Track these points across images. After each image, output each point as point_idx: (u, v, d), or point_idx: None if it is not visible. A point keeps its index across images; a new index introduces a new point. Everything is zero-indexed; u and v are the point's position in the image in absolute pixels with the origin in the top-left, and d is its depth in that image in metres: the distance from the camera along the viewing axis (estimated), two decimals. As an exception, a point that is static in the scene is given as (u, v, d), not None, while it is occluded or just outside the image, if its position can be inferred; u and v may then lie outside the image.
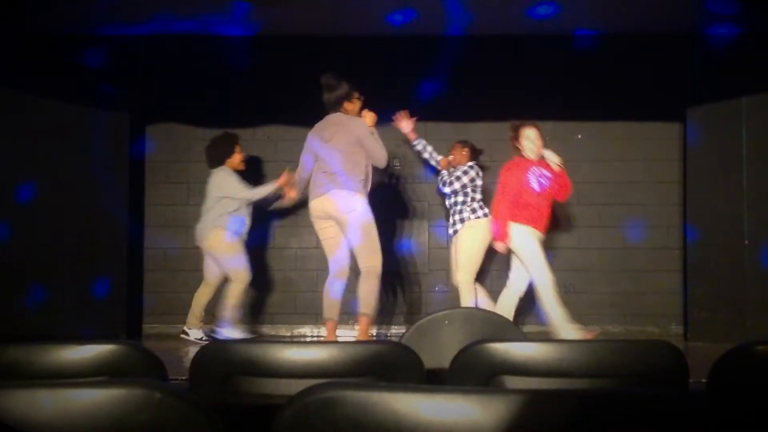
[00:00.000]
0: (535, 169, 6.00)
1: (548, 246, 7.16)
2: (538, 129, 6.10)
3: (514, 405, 1.06)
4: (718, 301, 6.59)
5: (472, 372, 2.01)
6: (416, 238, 7.59)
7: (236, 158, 6.71)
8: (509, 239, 5.92)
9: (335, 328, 5.74)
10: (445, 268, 7.60)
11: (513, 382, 2.01)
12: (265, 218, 7.59)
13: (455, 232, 6.48)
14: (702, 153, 6.87)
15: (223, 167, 6.64)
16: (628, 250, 7.47)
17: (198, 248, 6.99)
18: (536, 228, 5.97)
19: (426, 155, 6.79)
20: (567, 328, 5.71)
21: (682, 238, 7.30)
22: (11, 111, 6.33)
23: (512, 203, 5.90)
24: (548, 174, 6.01)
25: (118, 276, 6.99)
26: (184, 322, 6.82)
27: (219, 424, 1.14)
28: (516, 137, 6.09)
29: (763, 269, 6.35)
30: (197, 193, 7.57)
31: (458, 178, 6.46)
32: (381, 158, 5.47)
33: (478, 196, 6.51)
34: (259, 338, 7.04)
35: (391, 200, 7.46)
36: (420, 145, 6.75)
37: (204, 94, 7.44)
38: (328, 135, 5.52)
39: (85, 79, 6.71)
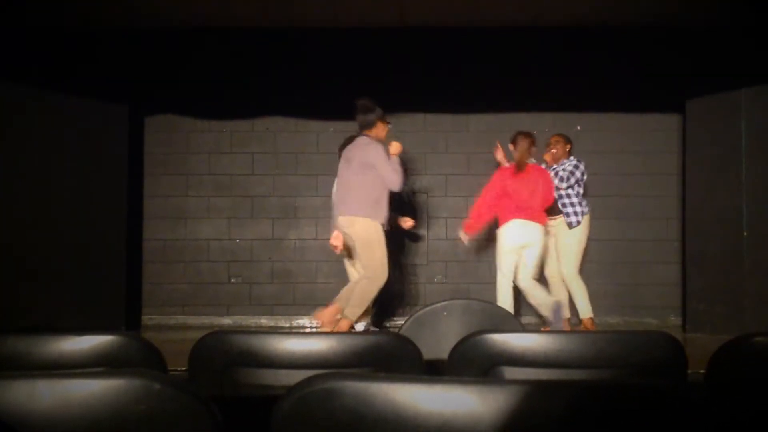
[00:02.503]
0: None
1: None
2: (531, 138, 6.35)
3: (513, 396, 1.06)
4: (716, 293, 6.59)
5: (470, 363, 2.01)
6: (415, 230, 7.59)
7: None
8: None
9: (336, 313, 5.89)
10: (443, 259, 7.62)
11: (511, 372, 2.01)
12: (264, 210, 7.59)
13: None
14: (701, 145, 6.86)
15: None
16: (626, 241, 7.48)
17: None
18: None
19: None
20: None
21: (681, 230, 7.31)
22: (10, 103, 6.32)
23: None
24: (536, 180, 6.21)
25: (116, 267, 7.00)
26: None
27: (218, 415, 1.14)
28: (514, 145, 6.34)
29: (761, 261, 6.35)
30: (196, 185, 7.58)
31: (572, 173, 6.48)
32: (394, 183, 5.76)
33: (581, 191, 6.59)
34: (258, 329, 7.05)
35: (390, 192, 7.45)
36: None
37: (203, 86, 7.43)
38: (350, 155, 5.85)
39: (84, 71, 6.69)
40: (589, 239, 7.18)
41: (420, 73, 7.32)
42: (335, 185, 6.22)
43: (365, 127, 5.90)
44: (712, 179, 6.73)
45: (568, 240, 6.45)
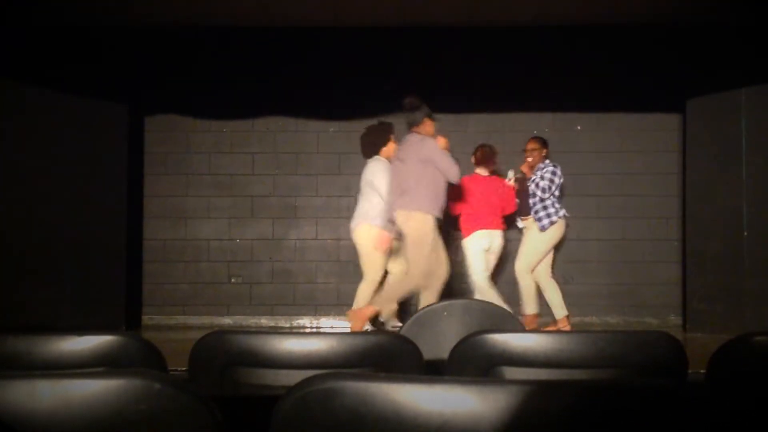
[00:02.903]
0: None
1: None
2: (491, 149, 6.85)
3: (513, 396, 1.06)
4: (716, 292, 6.59)
5: (470, 363, 2.01)
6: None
7: (391, 147, 6.32)
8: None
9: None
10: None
11: (512, 372, 2.01)
12: (264, 210, 7.59)
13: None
14: (701, 144, 6.86)
15: (378, 157, 6.31)
16: (627, 241, 7.48)
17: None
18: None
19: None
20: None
21: (681, 230, 7.31)
22: (10, 103, 6.32)
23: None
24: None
25: (117, 267, 7.00)
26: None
27: (218, 415, 1.14)
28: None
29: (761, 261, 6.36)
30: (196, 185, 7.58)
31: (551, 182, 6.56)
32: (454, 175, 5.82)
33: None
34: (258, 329, 7.05)
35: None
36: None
37: (203, 86, 7.43)
38: (404, 155, 5.88)
39: (84, 71, 6.69)
40: (589, 239, 7.21)
41: (420, 73, 7.31)
42: (370, 189, 6.22)
43: (413, 124, 5.95)
44: (712, 179, 6.73)
45: (535, 239, 6.54)
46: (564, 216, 6.58)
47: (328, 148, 7.58)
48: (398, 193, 5.85)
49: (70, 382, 1.14)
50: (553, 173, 6.52)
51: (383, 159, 6.28)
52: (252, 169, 7.58)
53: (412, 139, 5.90)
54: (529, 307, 6.54)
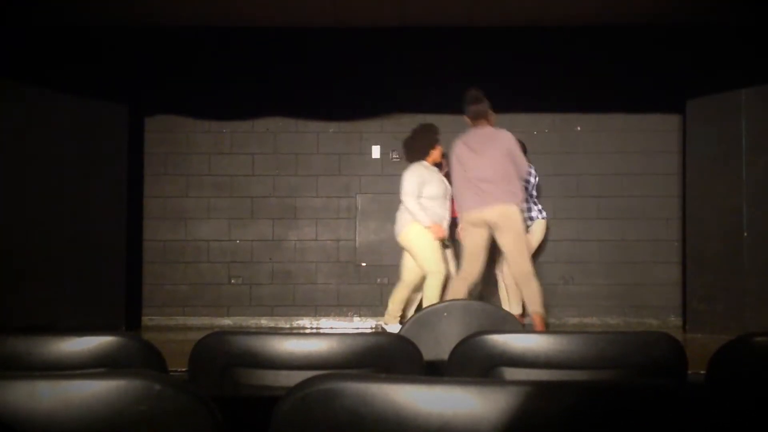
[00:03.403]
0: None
1: (548, 238, 7.19)
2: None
3: (513, 396, 1.06)
4: (716, 293, 6.59)
5: (471, 363, 2.01)
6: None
7: (438, 150, 6.37)
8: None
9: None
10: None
11: (512, 373, 2.01)
12: (264, 211, 7.59)
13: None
14: (701, 145, 6.86)
15: (422, 162, 6.33)
16: (627, 242, 7.48)
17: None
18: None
19: None
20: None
21: (681, 230, 7.31)
22: (10, 103, 6.32)
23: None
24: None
25: (117, 268, 7.00)
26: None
27: (218, 416, 1.14)
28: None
29: (761, 261, 6.35)
30: (196, 185, 7.58)
31: (527, 182, 6.58)
32: (525, 169, 5.82)
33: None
34: (258, 330, 7.05)
35: (392, 193, 7.46)
36: None
37: (203, 86, 7.43)
38: (478, 146, 5.70)
39: (84, 71, 6.69)
40: (589, 240, 7.20)
41: (420, 73, 7.31)
42: (435, 181, 6.19)
43: (479, 116, 5.79)
44: (712, 179, 6.73)
45: None
46: (544, 217, 6.61)
47: (328, 148, 7.57)
48: (475, 186, 5.63)
49: (70, 382, 1.14)
50: (529, 173, 6.53)
51: (425, 163, 6.27)
52: (252, 169, 7.58)
53: (485, 130, 5.73)
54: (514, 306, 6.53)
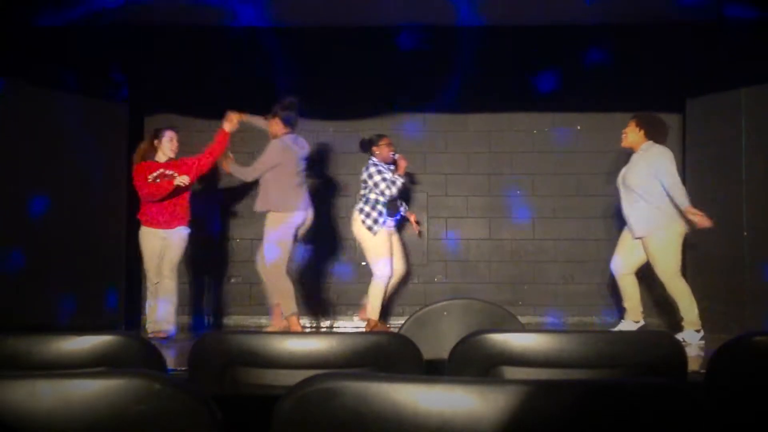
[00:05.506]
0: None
1: (549, 237, 7.18)
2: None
3: (513, 395, 1.06)
4: (716, 292, 6.58)
5: (470, 362, 2.01)
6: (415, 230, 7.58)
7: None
8: None
9: None
10: (443, 259, 7.62)
11: (512, 372, 2.01)
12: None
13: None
14: (701, 144, 6.86)
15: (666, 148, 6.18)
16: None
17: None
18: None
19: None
20: None
21: (681, 230, 7.29)
22: (10, 102, 6.31)
23: None
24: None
25: (117, 267, 7.00)
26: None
27: (218, 415, 1.14)
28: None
29: (761, 261, 6.35)
30: (196, 186, 7.57)
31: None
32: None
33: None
34: (257, 329, 7.05)
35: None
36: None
37: (203, 86, 7.42)
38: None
39: (84, 70, 6.69)
40: (589, 239, 7.20)
41: (420, 73, 7.31)
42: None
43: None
44: (712, 178, 6.72)
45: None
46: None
47: (327, 148, 7.57)
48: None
49: (70, 382, 1.15)
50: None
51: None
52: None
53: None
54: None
